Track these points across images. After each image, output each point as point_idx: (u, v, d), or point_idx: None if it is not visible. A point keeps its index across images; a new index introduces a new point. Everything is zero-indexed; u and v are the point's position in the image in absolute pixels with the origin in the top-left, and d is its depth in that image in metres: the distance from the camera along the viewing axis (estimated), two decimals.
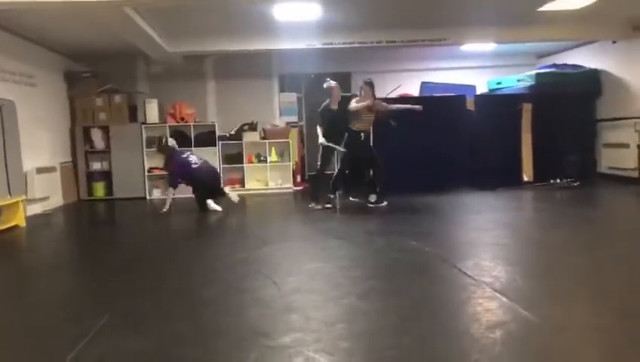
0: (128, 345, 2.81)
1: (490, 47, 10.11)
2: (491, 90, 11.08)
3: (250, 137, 10.04)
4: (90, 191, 9.83)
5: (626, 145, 9.07)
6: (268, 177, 10.08)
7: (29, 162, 7.90)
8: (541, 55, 11.68)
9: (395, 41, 9.02)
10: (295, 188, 10.04)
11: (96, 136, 9.81)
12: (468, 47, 10.00)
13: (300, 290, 3.67)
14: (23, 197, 7.24)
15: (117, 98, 9.78)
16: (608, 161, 9.71)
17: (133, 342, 2.84)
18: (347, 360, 2.52)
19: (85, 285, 4.32)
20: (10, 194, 7.14)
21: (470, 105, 9.50)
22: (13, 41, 7.79)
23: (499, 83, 10.83)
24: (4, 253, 5.79)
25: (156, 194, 9.78)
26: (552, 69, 10.02)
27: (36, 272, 4.97)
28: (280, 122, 10.71)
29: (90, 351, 2.74)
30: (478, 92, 10.74)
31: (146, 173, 9.82)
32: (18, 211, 6.97)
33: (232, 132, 10.03)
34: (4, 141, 7.15)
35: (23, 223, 7.00)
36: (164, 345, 2.81)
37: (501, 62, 11.37)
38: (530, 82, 9.89)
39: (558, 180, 8.81)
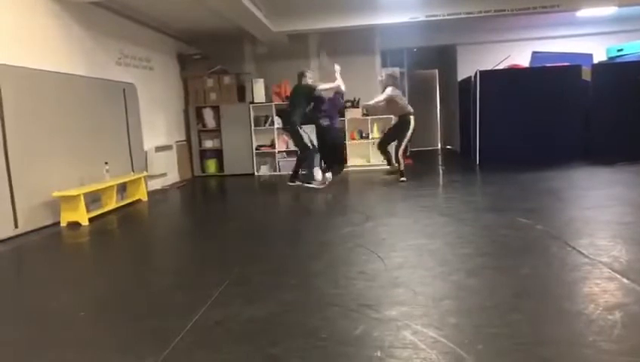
0: (244, 312, 2.96)
1: (610, 10, 9.33)
2: (611, 59, 10.27)
3: (352, 114, 10.08)
4: (203, 168, 10.42)
5: None
6: (370, 154, 10.09)
7: (149, 141, 8.49)
8: None
9: (504, 10, 8.61)
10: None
11: (208, 115, 10.33)
12: (584, 12, 9.31)
13: (405, 266, 3.68)
14: (145, 173, 7.83)
15: (226, 79, 10.22)
16: None
17: (248, 309, 2.99)
18: (456, 336, 2.51)
19: (203, 254, 4.60)
20: (133, 171, 7.75)
21: (586, 75, 8.90)
22: (132, 27, 8.37)
23: (620, 50, 9.99)
24: (130, 224, 6.33)
25: (264, 170, 10.17)
26: None
27: (159, 241, 5.42)
28: None
29: (209, 316, 2.92)
30: (596, 61, 10.01)
31: (254, 151, 10.22)
32: (140, 186, 7.56)
33: None
34: (127, 122, 7.74)
35: (145, 197, 7.59)
36: (276, 312, 2.94)
37: (623, 27, 10.49)
38: None
39: None
